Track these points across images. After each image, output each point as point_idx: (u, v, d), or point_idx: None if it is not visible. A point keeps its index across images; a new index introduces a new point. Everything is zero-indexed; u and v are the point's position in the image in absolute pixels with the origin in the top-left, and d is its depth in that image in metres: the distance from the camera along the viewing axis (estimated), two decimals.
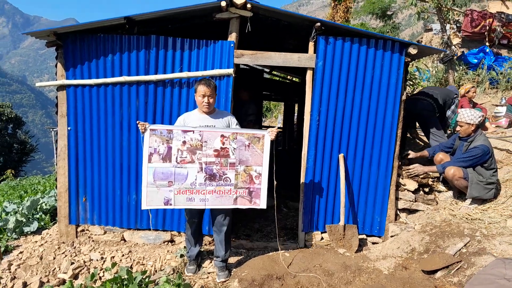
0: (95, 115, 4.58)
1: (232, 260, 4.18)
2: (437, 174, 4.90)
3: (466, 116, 4.50)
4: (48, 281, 4.23)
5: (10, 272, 4.46)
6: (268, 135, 3.67)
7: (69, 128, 4.63)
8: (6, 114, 31.23)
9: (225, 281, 3.73)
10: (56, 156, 4.80)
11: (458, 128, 4.65)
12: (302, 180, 4.60)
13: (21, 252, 4.87)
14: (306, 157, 4.55)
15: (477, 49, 10.89)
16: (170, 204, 3.64)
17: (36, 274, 4.36)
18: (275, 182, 3.84)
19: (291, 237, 4.97)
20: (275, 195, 3.99)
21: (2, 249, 5.09)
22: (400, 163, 4.72)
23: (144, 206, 3.63)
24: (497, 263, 2.02)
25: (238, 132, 3.66)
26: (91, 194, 4.74)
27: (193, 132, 3.58)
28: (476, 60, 10.59)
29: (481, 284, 1.97)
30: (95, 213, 4.78)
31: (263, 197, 3.73)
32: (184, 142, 3.58)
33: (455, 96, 5.82)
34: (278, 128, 4.20)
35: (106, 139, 4.62)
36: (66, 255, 4.57)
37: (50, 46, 4.48)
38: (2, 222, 6.11)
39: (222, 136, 3.62)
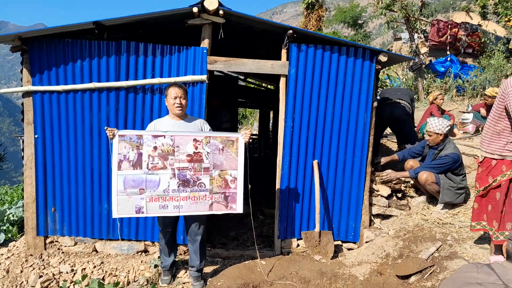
0: (64, 122, 4.43)
1: (208, 269, 4.11)
2: (409, 179, 5.00)
3: (435, 126, 4.58)
4: None
5: None
6: (242, 138, 3.60)
7: (36, 136, 4.46)
8: None
9: None
10: (23, 165, 4.61)
11: (427, 137, 4.74)
12: (277, 186, 4.60)
13: None
14: (281, 163, 4.55)
15: (444, 58, 11.29)
16: (142, 212, 3.50)
17: None
18: (249, 186, 3.80)
19: (267, 245, 4.94)
20: (250, 202, 3.95)
21: None
22: (373, 169, 4.80)
23: (115, 215, 3.49)
24: (470, 267, 2.05)
25: (211, 136, 3.58)
26: (60, 204, 4.57)
27: (164, 137, 3.47)
28: (443, 69, 10.97)
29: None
30: (65, 224, 4.61)
31: (239, 202, 3.65)
32: (155, 148, 3.47)
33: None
34: (252, 134, 4.17)
35: (75, 147, 4.47)
36: (34, 268, 4.38)
37: (15, 51, 4.31)
38: None
39: (195, 140, 3.53)
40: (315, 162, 4.55)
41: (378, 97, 5.74)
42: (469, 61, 12.02)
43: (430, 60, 11.49)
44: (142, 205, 3.49)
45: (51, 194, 4.56)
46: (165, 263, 3.90)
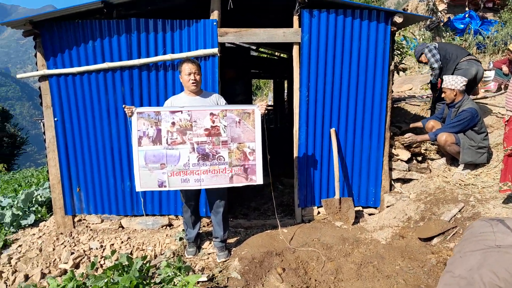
0: (81, 104, 4.49)
1: (231, 240, 4.21)
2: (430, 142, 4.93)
3: (448, 82, 4.58)
4: (49, 272, 4.25)
5: (11, 265, 4.47)
6: (258, 109, 3.60)
7: (55, 119, 4.54)
8: None
9: (225, 261, 3.76)
10: (46, 148, 4.73)
11: (443, 95, 4.69)
12: (295, 156, 4.60)
13: (20, 246, 4.87)
14: (297, 133, 4.54)
15: (463, 14, 10.81)
16: (165, 186, 3.59)
17: (37, 266, 4.38)
18: (268, 157, 3.81)
19: (288, 214, 5.01)
20: (270, 173, 3.98)
21: (1, 243, 5.08)
22: (391, 133, 4.73)
23: (138, 189, 3.60)
24: (484, 226, 2.03)
25: (228, 109, 3.58)
26: (84, 183, 4.71)
27: (181, 112, 3.51)
28: (462, 25, 10.53)
29: (472, 251, 1.98)
30: (90, 203, 4.77)
31: (259, 173, 3.67)
32: (173, 123, 3.52)
33: None
34: (268, 106, 4.13)
35: (94, 128, 4.55)
36: (65, 246, 4.58)
37: (27, 35, 4.34)
38: None
39: (212, 114, 3.55)
40: (332, 130, 4.51)
41: (437, 55, 5.40)
42: (490, 16, 11.48)
43: (449, 18, 11.03)
44: (164, 179, 3.57)
45: (74, 174, 4.69)
46: (190, 235, 4.01)
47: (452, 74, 5.21)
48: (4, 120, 31.82)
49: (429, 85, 6.04)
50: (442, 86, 4.68)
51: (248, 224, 4.70)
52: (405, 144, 4.72)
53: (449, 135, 4.44)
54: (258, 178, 3.69)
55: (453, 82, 4.54)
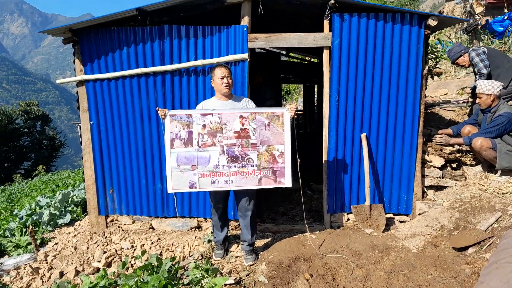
0: (115, 108, 4.65)
1: (259, 243, 4.21)
2: (466, 147, 4.76)
3: (484, 87, 4.41)
4: (83, 270, 4.39)
5: (47, 262, 4.66)
6: (287, 112, 3.62)
7: (91, 122, 4.72)
8: (33, 112, 32.20)
9: (252, 264, 3.77)
10: (82, 150, 4.92)
11: (477, 100, 4.53)
12: (324, 161, 4.56)
13: (56, 244, 5.07)
14: (327, 138, 4.50)
15: (502, 16, 10.39)
16: (195, 187, 3.66)
17: (72, 263, 4.54)
18: (298, 160, 3.79)
19: (316, 219, 4.96)
20: (300, 176, 3.96)
21: (39, 241, 5.31)
22: (425, 139, 4.61)
23: (170, 190, 3.66)
24: None
25: (257, 112, 3.62)
26: (117, 185, 4.85)
27: (212, 115, 3.58)
28: (502, 28, 10.11)
29: (510, 262, 1.89)
30: (122, 204, 4.91)
31: (288, 176, 3.68)
32: (204, 126, 3.59)
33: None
34: (297, 110, 4.13)
35: (128, 131, 4.69)
36: (98, 245, 4.73)
37: (67, 42, 4.54)
38: (37, 216, 6.36)
39: (241, 117, 3.60)
40: (363, 135, 4.44)
41: (486, 60, 5.07)
42: None
43: (487, 20, 10.63)
44: (195, 181, 3.64)
45: (108, 176, 4.85)
46: (218, 238, 4.05)
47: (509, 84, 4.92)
48: (44, 124, 33.30)
49: (471, 90, 5.76)
50: (477, 92, 4.50)
51: (276, 228, 4.69)
52: (437, 144, 4.58)
53: (484, 140, 4.28)
54: (287, 181, 3.70)
55: (490, 87, 4.37)
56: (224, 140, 3.61)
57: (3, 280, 4.68)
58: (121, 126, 4.71)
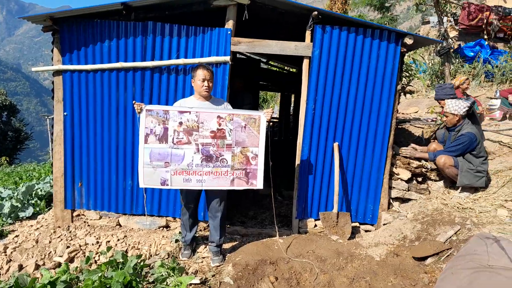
0: (91, 101, 4.58)
1: (227, 245, 4.23)
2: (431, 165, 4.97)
3: (451, 106, 4.65)
4: (43, 264, 4.27)
5: (6, 255, 4.50)
6: (263, 116, 3.69)
7: (65, 114, 4.63)
8: (0, 102, 31.00)
9: (219, 266, 3.78)
10: (52, 142, 4.81)
11: (444, 118, 4.77)
12: (297, 168, 4.65)
13: (16, 236, 4.91)
14: (301, 145, 4.59)
15: (473, 42, 10.93)
16: (167, 185, 3.63)
17: (32, 257, 4.40)
18: (270, 163, 3.86)
19: (285, 224, 5.03)
20: (271, 179, 4.00)
21: None
22: (393, 152, 4.78)
23: (141, 185, 3.63)
24: (479, 245, 2.06)
25: (235, 113, 3.66)
26: (87, 179, 4.76)
27: (190, 113, 3.58)
28: (472, 53, 10.63)
29: (464, 269, 2.00)
30: (90, 198, 4.81)
31: (260, 178, 3.74)
32: (181, 123, 3.58)
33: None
34: (273, 118, 4.22)
35: (102, 125, 4.62)
36: (61, 239, 4.61)
37: (47, 31, 4.46)
38: None
39: (219, 117, 3.62)
40: (335, 145, 4.57)
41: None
42: (500, 46, 11.59)
43: (459, 45, 11.15)
44: (167, 178, 3.62)
45: (78, 169, 4.75)
46: (186, 238, 4.04)
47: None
48: (11, 114, 32.10)
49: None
50: (445, 111, 4.75)
51: (244, 231, 4.72)
52: (403, 156, 4.78)
53: (448, 158, 4.51)
54: (258, 183, 3.75)
55: (457, 108, 4.60)
56: (200, 139, 3.62)
57: None
58: (95, 120, 4.63)
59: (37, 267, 4.24)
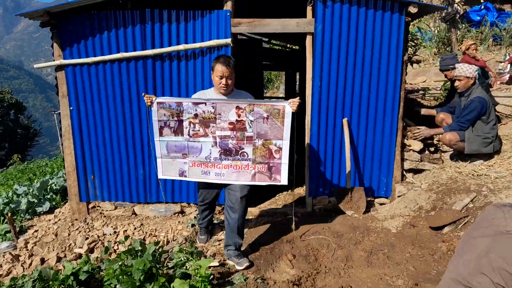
0: (96, 93, 4.58)
1: None
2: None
3: (465, 69, 4.49)
4: (65, 256, 4.36)
5: (27, 249, 4.60)
6: (288, 107, 3.29)
7: (71, 108, 4.63)
8: (6, 100, 31.23)
9: (249, 267, 3.55)
10: (61, 137, 4.83)
11: (456, 83, 4.60)
12: (307, 146, 4.62)
13: (36, 231, 5.01)
14: (310, 123, 4.55)
15: (479, 6, 10.63)
16: (185, 176, 3.51)
17: (53, 250, 4.49)
18: (295, 157, 3.54)
19: (299, 203, 5.04)
20: (294, 171, 3.77)
21: (18, 229, 5.22)
22: (404, 124, 4.72)
23: (160, 176, 3.54)
24: (496, 212, 2.03)
25: (255, 104, 3.32)
26: (98, 171, 4.80)
27: (205, 104, 3.31)
28: (478, 17, 10.37)
29: (482, 236, 1.99)
30: (104, 190, 4.86)
31: (284, 173, 3.42)
32: (196, 115, 3.34)
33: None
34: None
35: (109, 117, 4.63)
36: (80, 231, 4.69)
37: (44, 26, 4.43)
38: (15, 204, 6.24)
39: (238, 108, 3.31)
40: (344, 120, 4.52)
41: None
42: (507, 7, 11.27)
43: (465, 9, 10.86)
44: (185, 169, 3.49)
45: (89, 162, 4.79)
46: (202, 222, 4.04)
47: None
48: (18, 112, 32.37)
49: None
50: (457, 75, 4.54)
51: (259, 212, 4.75)
52: (415, 138, 4.70)
53: (452, 134, 4.40)
54: (282, 178, 3.44)
55: (470, 70, 4.45)
56: (218, 131, 3.37)
57: None
58: (101, 112, 4.64)
59: (58, 259, 4.33)
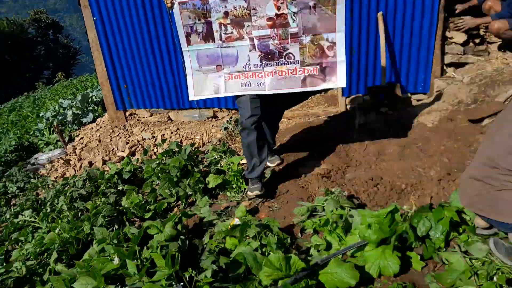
0: (117, 1, 4.45)
1: None
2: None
3: None
4: (109, 159, 4.67)
5: (76, 154, 4.96)
6: None
7: (94, 18, 4.58)
8: (43, 20, 31.48)
9: (280, 163, 3.55)
10: (90, 48, 4.87)
11: None
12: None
13: (81, 138, 5.35)
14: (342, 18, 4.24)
15: None
16: (222, 92, 3.00)
17: (98, 154, 4.81)
18: (353, 52, 2.97)
19: (332, 104, 4.95)
20: None
21: (66, 138, 5.60)
22: (446, 14, 4.28)
23: (191, 97, 3.04)
24: None
25: None
26: (130, 80, 4.88)
27: None
28: None
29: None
30: (138, 98, 4.98)
31: (342, 73, 2.82)
32: (226, 13, 2.75)
33: None
34: None
35: (132, 25, 4.57)
36: (120, 137, 4.95)
37: None
38: (62, 116, 6.61)
39: None
40: (379, 14, 4.17)
41: None
42: None
43: None
44: (220, 84, 2.97)
45: (120, 72, 4.85)
46: (256, 169, 3.02)
47: None
48: (56, 32, 32.77)
49: None
50: None
51: (290, 114, 4.73)
52: (458, 29, 4.27)
53: (501, 23, 3.90)
54: (339, 80, 2.84)
55: None
56: (254, 31, 2.77)
57: (41, 172, 5.05)
58: (124, 20, 4.56)
59: (104, 162, 4.65)
